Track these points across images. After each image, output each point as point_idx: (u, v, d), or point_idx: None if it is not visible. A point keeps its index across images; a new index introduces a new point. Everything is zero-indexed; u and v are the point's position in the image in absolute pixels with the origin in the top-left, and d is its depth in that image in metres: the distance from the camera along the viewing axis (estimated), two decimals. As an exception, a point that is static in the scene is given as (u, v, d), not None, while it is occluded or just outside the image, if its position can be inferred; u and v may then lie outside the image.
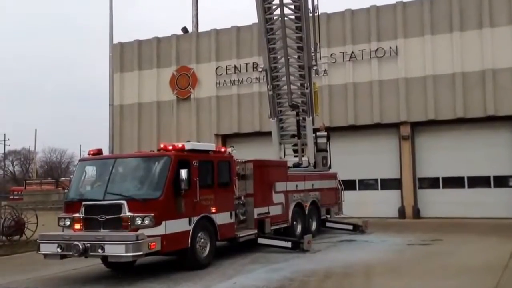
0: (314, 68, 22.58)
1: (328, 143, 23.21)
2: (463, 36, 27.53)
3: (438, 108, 27.66)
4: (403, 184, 28.20)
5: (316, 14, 22.08)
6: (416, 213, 27.71)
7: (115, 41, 32.29)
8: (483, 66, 27.01)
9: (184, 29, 35.36)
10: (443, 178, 27.93)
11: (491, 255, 14.86)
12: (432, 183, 28.20)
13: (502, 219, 25.09)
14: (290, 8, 20.64)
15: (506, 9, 26.95)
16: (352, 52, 29.49)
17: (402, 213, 27.84)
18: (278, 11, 20.64)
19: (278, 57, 21.59)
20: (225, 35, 32.70)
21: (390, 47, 28.74)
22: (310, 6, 21.41)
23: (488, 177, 27.12)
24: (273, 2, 20.61)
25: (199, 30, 35.84)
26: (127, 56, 35.39)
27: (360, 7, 30.08)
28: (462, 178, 27.55)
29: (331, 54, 29.76)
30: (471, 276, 11.46)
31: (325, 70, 29.62)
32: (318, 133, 22.96)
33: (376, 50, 28.98)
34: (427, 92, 27.87)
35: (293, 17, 20.88)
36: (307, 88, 21.60)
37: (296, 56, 21.59)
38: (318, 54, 23.76)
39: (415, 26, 28.54)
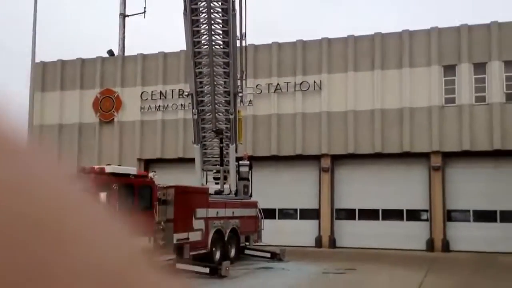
0: (240, 95, 23.03)
1: (250, 172, 23.55)
2: (383, 75, 28.60)
3: (357, 142, 28.50)
4: (321, 215, 28.75)
5: (243, 41, 22.55)
6: (332, 243, 28.28)
7: (37, 59, 31.71)
8: (401, 104, 28.11)
9: (110, 52, 35.01)
10: (359, 210, 28.71)
11: (401, 285, 15.39)
12: (349, 214, 28.91)
13: (413, 251, 25.95)
14: (218, 33, 20.96)
15: (425, 51, 28.22)
16: (278, 84, 29.99)
17: (318, 242, 28.32)
18: (206, 35, 20.95)
19: (205, 81, 21.81)
20: (152, 60, 32.61)
21: (315, 81, 29.44)
22: (238, 33, 21.87)
23: (401, 211, 28.13)
24: (202, 26, 20.89)
25: (125, 54, 35.58)
26: (49, 76, 34.68)
27: (287, 40, 30.72)
28: (377, 211, 28.41)
29: (257, 85, 30.14)
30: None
31: (250, 100, 29.99)
32: (240, 162, 23.27)
33: (300, 84, 29.58)
34: (347, 127, 28.69)
35: (221, 42, 21.19)
36: (231, 114, 21.92)
37: (222, 82, 21.89)
38: (244, 82, 24.22)
39: (339, 62, 29.39)
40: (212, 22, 21.19)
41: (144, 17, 36.96)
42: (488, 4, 63.38)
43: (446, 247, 26.66)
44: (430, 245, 26.82)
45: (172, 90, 31.69)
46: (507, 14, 31.83)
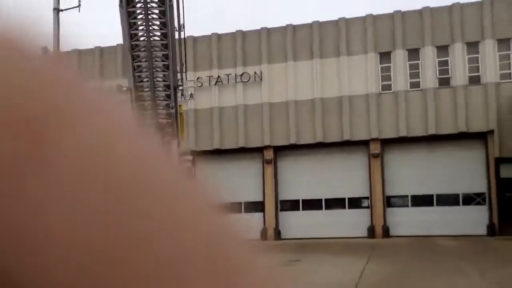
0: (180, 88, 22.80)
1: (193, 167, 23.49)
2: (322, 63, 28.88)
3: (299, 132, 28.75)
4: (265, 207, 29.08)
5: (182, 32, 22.28)
6: (278, 235, 28.72)
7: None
8: (340, 93, 28.45)
9: (43, 49, 34.00)
10: (303, 200, 29.08)
11: (344, 274, 15.83)
12: (293, 205, 29.29)
13: (356, 238, 26.56)
14: (155, 24, 20.68)
15: (361, 38, 28.65)
16: (218, 76, 29.92)
17: (264, 235, 28.51)
18: (144, 26, 20.59)
19: (143, 75, 21.49)
20: (88, 55, 31.83)
21: (255, 72, 29.49)
22: (176, 24, 21.57)
23: (344, 199, 28.70)
24: (139, 17, 20.52)
25: (60, 50, 34.57)
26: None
27: (227, 31, 30.59)
28: (320, 200, 28.88)
29: (198, 78, 29.98)
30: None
31: (191, 94, 29.81)
32: (183, 157, 23.15)
33: (241, 75, 29.59)
34: (289, 117, 28.88)
35: (159, 33, 20.92)
36: (172, 108, 21.68)
37: (161, 75, 21.60)
38: (184, 75, 23.91)
39: (278, 52, 29.48)
40: (149, 13, 20.84)
41: (79, 11, 36.02)
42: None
43: (386, 233, 27.43)
44: (371, 232, 27.54)
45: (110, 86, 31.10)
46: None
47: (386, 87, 28.40)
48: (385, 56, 28.63)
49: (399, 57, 28.30)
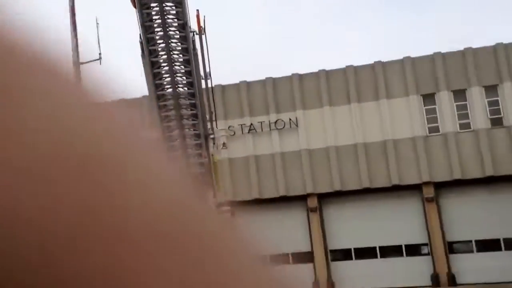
0: (211, 137, 21.64)
1: (232, 218, 21.61)
2: (361, 108, 27.42)
3: (343, 179, 26.96)
4: (315, 257, 26.81)
5: (208, 81, 21.24)
6: (331, 286, 26.49)
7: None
8: (383, 137, 26.88)
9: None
10: (355, 249, 26.90)
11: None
12: (345, 254, 27.14)
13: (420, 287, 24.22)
14: (181, 73, 19.78)
15: (401, 81, 27.27)
16: (251, 124, 28.44)
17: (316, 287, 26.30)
18: (168, 76, 19.83)
19: (172, 125, 20.30)
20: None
21: (290, 119, 28.00)
22: (202, 73, 20.59)
23: (400, 246, 26.51)
24: (163, 66, 19.67)
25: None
26: None
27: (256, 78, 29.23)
28: (373, 248, 26.70)
29: (229, 127, 28.49)
30: None
31: (224, 143, 28.19)
32: (221, 208, 21.33)
33: (275, 122, 28.09)
34: (331, 163, 27.16)
35: (185, 82, 20.13)
36: (205, 158, 20.35)
37: (191, 124, 20.44)
38: (214, 123, 22.70)
39: (313, 97, 28.08)
40: (173, 61, 19.96)
41: (100, 64, 35.01)
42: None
43: (452, 281, 25.12)
44: (435, 280, 25.28)
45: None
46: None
47: (434, 129, 26.91)
48: (428, 98, 27.23)
49: (444, 99, 26.90)
